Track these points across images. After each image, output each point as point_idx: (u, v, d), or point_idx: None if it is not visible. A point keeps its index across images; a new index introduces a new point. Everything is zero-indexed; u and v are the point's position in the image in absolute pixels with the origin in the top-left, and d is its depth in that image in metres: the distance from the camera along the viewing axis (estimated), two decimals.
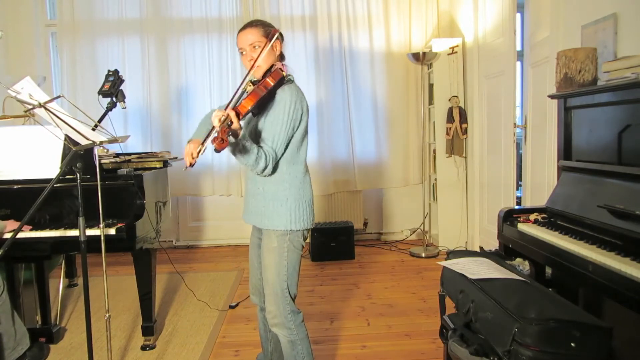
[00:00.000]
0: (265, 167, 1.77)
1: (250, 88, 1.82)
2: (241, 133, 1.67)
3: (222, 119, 1.58)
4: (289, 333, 1.95)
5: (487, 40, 4.03)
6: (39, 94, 1.79)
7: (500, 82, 3.79)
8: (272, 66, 1.86)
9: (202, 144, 1.70)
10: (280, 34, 1.93)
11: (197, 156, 1.70)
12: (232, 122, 1.61)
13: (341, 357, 2.59)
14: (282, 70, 1.84)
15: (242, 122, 1.77)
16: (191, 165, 1.71)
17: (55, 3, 4.70)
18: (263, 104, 1.83)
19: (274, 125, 1.80)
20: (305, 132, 1.91)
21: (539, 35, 3.18)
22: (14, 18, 4.70)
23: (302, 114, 1.85)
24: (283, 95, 1.83)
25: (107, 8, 4.68)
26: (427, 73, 4.73)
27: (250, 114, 1.89)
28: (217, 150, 1.56)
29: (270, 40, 1.84)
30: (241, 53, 1.89)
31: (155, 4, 4.68)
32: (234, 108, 1.67)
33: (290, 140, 1.85)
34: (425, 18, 4.76)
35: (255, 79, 1.88)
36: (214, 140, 1.55)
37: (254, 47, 1.84)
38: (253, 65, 1.82)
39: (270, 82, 1.78)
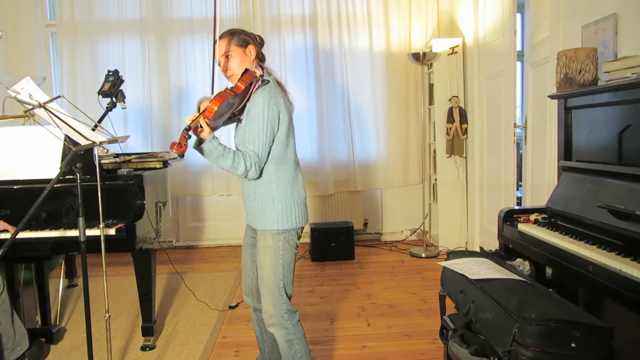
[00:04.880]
0: (247, 170, 1.80)
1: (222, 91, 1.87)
2: (209, 137, 1.73)
3: (191, 120, 1.70)
4: (286, 333, 1.95)
5: (487, 40, 4.03)
6: (39, 94, 1.79)
7: (501, 82, 3.79)
8: (246, 70, 1.89)
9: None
10: (257, 38, 2.00)
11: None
12: (199, 126, 1.71)
13: (341, 357, 2.59)
14: (255, 72, 1.88)
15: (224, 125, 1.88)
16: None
17: (55, 3, 4.70)
18: (241, 107, 1.90)
19: (251, 128, 1.84)
20: (289, 131, 1.93)
21: (539, 35, 3.18)
22: (14, 18, 4.70)
23: (279, 113, 1.86)
24: (256, 98, 1.86)
25: (107, 8, 4.67)
26: (427, 73, 4.73)
27: (237, 120, 1.99)
28: (179, 155, 1.66)
29: (241, 47, 1.93)
30: (218, 64, 1.95)
31: (155, 4, 4.68)
32: (202, 113, 1.73)
33: (274, 140, 1.87)
34: (425, 18, 4.76)
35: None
36: (172, 146, 1.64)
37: (227, 56, 1.93)
38: (232, 73, 1.93)
39: (241, 85, 1.83)
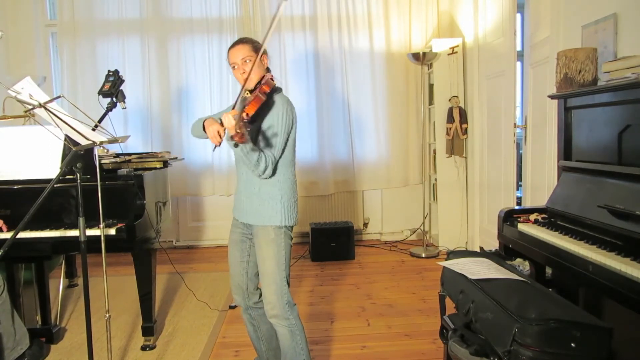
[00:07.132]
0: (265, 169, 1.93)
1: (249, 95, 1.96)
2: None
3: (236, 117, 1.74)
4: (288, 323, 2.04)
5: (487, 40, 4.03)
6: (39, 94, 1.79)
7: (501, 82, 3.79)
8: (263, 77, 2.00)
9: (221, 124, 1.85)
10: (265, 51, 2.11)
11: (223, 134, 1.89)
12: (247, 120, 1.78)
13: (341, 357, 2.59)
14: (272, 80, 1.99)
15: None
16: (219, 144, 1.90)
17: (55, 3, 4.70)
18: (262, 110, 2.00)
19: (270, 132, 1.97)
20: (295, 137, 2.07)
21: (539, 35, 3.18)
22: (14, 18, 4.70)
23: (292, 120, 2.02)
24: (277, 104, 2.00)
25: (107, 8, 4.68)
26: (427, 73, 4.73)
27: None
28: (236, 145, 1.78)
29: (258, 54, 2.00)
30: (233, 67, 2.03)
31: (155, 4, 4.68)
32: (242, 111, 1.81)
33: (286, 144, 2.01)
34: (425, 18, 4.76)
35: (250, 89, 2.02)
36: (234, 136, 1.69)
37: (245, 61, 2.01)
38: (248, 76, 1.97)
39: (266, 89, 1.94)
